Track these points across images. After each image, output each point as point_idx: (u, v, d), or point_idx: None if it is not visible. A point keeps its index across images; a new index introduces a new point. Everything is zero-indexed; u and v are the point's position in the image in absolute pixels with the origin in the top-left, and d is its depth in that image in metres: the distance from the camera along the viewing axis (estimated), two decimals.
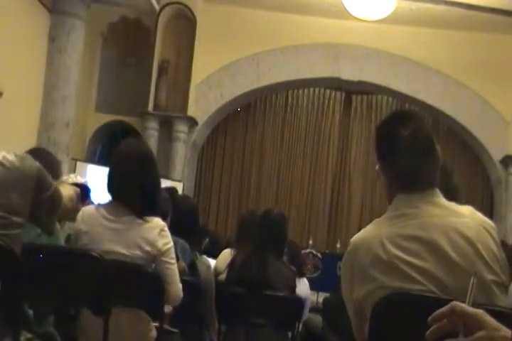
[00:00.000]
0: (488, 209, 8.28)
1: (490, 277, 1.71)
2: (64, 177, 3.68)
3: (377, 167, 1.95)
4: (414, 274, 1.71)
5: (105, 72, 8.17)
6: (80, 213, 2.93)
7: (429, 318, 0.93)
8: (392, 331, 1.73)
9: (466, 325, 0.91)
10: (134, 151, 2.86)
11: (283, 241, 3.90)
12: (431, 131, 1.88)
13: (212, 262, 4.08)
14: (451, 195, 1.95)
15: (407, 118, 1.89)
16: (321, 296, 5.90)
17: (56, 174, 3.23)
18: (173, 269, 2.79)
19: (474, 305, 0.95)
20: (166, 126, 7.99)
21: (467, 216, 1.81)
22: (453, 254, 1.72)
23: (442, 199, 1.84)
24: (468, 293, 0.96)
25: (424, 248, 1.73)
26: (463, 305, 0.92)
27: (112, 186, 2.85)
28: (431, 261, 1.72)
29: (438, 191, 1.85)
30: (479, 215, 1.83)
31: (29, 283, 1.91)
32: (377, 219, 1.89)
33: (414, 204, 1.82)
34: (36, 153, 3.22)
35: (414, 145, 1.83)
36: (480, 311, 0.92)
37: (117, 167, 2.86)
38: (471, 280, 0.98)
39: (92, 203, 3.54)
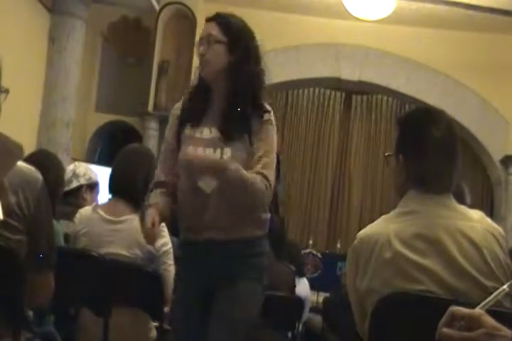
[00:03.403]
0: (488, 209, 8.27)
1: (490, 283, 1.71)
2: (69, 169, 3.69)
3: (390, 155, 1.93)
4: (417, 273, 1.71)
5: (105, 72, 8.16)
6: (78, 215, 2.95)
7: (437, 334, 0.93)
8: (392, 331, 1.73)
9: (467, 326, 0.91)
10: (135, 153, 2.97)
11: (282, 241, 3.89)
12: (458, 135, 1.89)
13: None
14: (458, 197, 1.95)
15: (438, 119, 1.88)
16: (321, 296, 5.90)
17: (59, 173, 3.24)
18: (170, 271, 2.80)
19: (475, 304, 0.95)
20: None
21: (476, 221, 1.80)
22: (458, 256, 1.72)
23: (454, 203, 1.84)
24: (486, 300, 0.95)
25: (429, 247, 1.73)
26: (459, 307, 0.92)
27: (114, 184, 2.90)
28: (435, 261, 1.72)
29: (452, 196, 1.85)
30: (488, 221, 1.83)
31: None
32: (385, 216, 1.89)
33: (426, 203, 1.82)
34: (40, 155, 3.24)
35: (443, 147, 1.83)
36: (479, 311, 0.92)
37: (119, 167, 2.94)
38: (499, 290, 0.97)
39: (97, 200, 3.58)
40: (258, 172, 2.29)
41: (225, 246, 2.30)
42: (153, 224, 2.24)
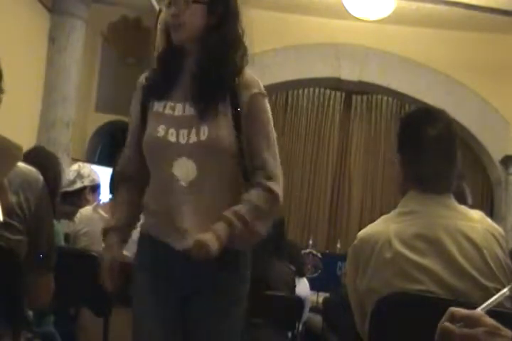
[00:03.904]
0: (488, 209, 8.27)
1: (491, 284, 1.71)
2: (73, 169, 3.70)
3: (394, 158, 1.94)
4: (417, 273, 1.71)
5: (105, 72, 8.16)
6: (78, 214, 2.96)
7: (437, 334, 0.93)
8: (392, 331, 1.73)
9: (467, 326, 0.91)
10: None
11: (282, 241, 3.89)
12: (456, 134, 1.88)
13: None
14: (459, 197, 1.95)
15: (436, 118, 1.88)
16: (321, 296, 5.90)
17: (58, 172, 3.24)
18: None
19: (476, 305, 0.95)
20: None
21: (476, 221, 1.81)
22: (458, 256, 1.72)
23: (454, 203, 1.84)
24: (487, 303, 0.95)
25: (429, 247, 1.74)
26: (458, 308, 0.92)
27: (114, 184, 2.90)
28: (435, 261, 1.72)
29: (452, 196, 1.85)
30: (489, 221, 1.83)
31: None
32: (385, 216, 1.89)
33: (426, 203, 1.82)
34: (38, 153, 3.24)
35: (439, 146, 1.83)
36: (479, 312, 0.92)
37: None
38: (502, 291, 0.97)
39: (99, 200, 3.58)
40: (262, 187, 1.99)
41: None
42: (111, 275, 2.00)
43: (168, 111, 1.99)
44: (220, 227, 1.90)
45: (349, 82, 8.52)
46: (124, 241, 2.10)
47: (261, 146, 1.99)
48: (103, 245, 2.08)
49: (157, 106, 2.01)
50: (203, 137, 1.94)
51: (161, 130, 1.97)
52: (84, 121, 7.84)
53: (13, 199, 1.72)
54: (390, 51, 8.21)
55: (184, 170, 1.94)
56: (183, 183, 1.94)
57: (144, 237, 2.08)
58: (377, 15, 7.31)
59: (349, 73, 8.37)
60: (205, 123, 1.94)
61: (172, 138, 1.95)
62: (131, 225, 2.12)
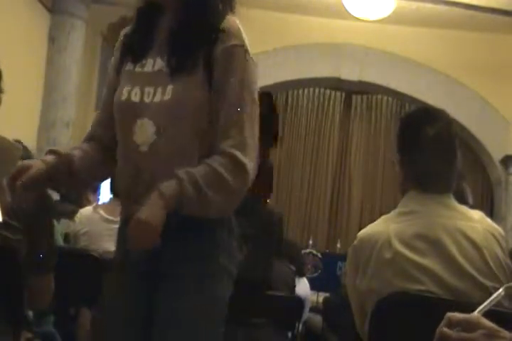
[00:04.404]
0: (488, 209, 8.27)
1: (490, 283, 1.71)
2: None
3: (394, 158, 1.94)
4: (417, 273, 1.71)
5: (105, 72, 8.15)
6: (78, 215, 2.96)
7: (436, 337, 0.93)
8: (392, 331, 1.73)
9: (465, 330, 0.91)
10: None
11: (281, 240, 3.89)
12: (456, 134, 1.88)
13: None
14: (459, 197, 1.95)
15: (435, 117, 1.88)
16: (321, 296, 5.90)
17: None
18: None
19: (476, 305, 0.95)
20: None
21: (476, 221, 1.81)
22: (458, 256, 1.72)
23: (455, 203, 1.84)
24: (483, 305, 0.95)
25: (429, 247, 1.74)
26: (455, 313, 0.92)
27: (114, 183, 2.90)
28: (435, 261, 1.72)
29: (452, 196, 1.85)
30: (488, 221, 1.83)
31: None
32: (385, 216, 1.89)
33: (426, 203, 1.82)
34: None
35: (438, 146, 1.83)
36: (476, 315, 0.92)
37: None
38: (498, 292, 0.97)
39: (98, 199, 3.59)
40: (226, 155, 1.64)
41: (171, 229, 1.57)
42: (14, 177, 1.58)
43: (138, 68, 1.77)
44: (167, 184, 1.59)
45: (349, 82, 8.52)
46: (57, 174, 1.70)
47: (232, 109, 1.67)
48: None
49: (129, 65, 1.79)
50: (166, 97, 1.67)
51: (125, 92, 1.74)
52: (84, 121, 7.83)
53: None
54: (390, 51, 8.21)
55: (144, 132, 1.69)
56: (143, 148, 1.69)
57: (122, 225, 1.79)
58: (377, 15, 7.31)
59: (349, 73, 8.37)
60: (171, 82, 1.68)
61: (135, 98, 1.72)
62: (76, 169, 1.75)
